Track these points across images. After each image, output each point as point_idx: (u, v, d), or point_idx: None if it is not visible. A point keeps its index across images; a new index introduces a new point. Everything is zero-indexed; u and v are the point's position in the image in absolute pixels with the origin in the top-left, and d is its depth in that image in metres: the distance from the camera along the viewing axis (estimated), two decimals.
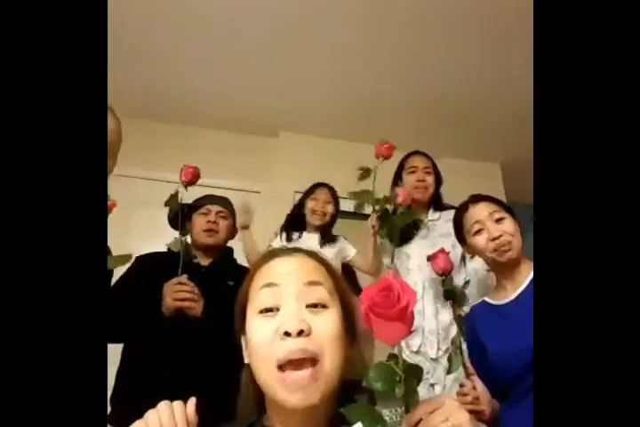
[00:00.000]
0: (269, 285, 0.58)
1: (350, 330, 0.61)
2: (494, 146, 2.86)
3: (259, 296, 0.59)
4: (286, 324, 0.54)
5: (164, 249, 1.38)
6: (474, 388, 0.98)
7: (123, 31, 1.87)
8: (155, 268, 1.31)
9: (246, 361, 0.61)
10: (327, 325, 0.56)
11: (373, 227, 1.60)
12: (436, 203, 1.78)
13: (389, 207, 1.57)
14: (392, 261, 1.53)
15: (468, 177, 2.58)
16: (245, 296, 0.63)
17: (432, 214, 1.76)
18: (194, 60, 2.18)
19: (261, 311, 0.57)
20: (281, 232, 1.78)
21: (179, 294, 1.18)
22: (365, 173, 1.53)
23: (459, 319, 1.05)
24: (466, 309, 1.26)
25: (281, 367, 0.53)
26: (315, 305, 0.57)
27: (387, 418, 0.48)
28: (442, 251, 1.13)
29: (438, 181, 1.79)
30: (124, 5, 1.76)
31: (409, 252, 1.67)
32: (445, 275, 1.09)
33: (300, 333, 0.53)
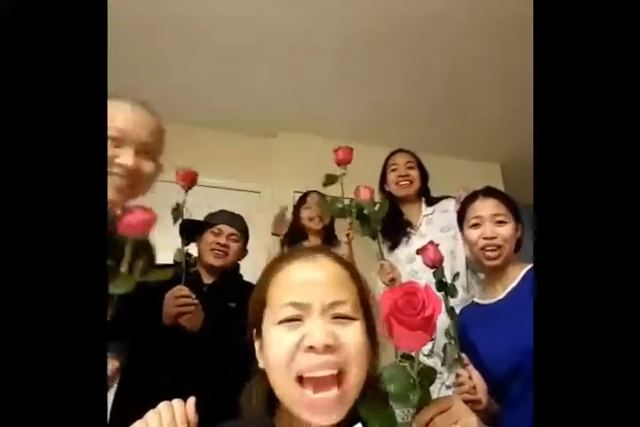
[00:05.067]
0: (294, 304, 0.54)
1: (373, 344, 0.58)
2: (494, 146, 2.87)
3: (281, 311, 0.54)
4: (312, 337, 0.50)
5: (160, 252, 1.34)
6: (470, 378, 0.98)
7: (123, 32, 1.87)
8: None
9: (261, 366, 0.58)
10: (354, 337, 0.53)
11: (347, 235, 1.54)
12: (427, 197, 1.74)
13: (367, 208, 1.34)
14: (383, 256, 1.40)
15: (469, 177, 2.58)
16: (262, 300, 0.59)
17: (426, 209, 1.70)
18: (193, 61, 2.18)
19: (281, 321, 0.54)
20: (282, 246, 1.77)
21: (179, 300, 1.16)
22: (331, 178, 1.36)
23: (451, 311, 1.04)
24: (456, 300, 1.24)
25: (301, 380, 0.50)
26: (341, 316, 0.54)
27: (398, 418, 0.48)
28: (431, 243, 1.12)
29: (424, 177, 1.73)
30: (125, 6, 1.76)
31: (411, 253, 1.57)
32: (436, 266, 1.08)
33: (326, 348, 0.50)
